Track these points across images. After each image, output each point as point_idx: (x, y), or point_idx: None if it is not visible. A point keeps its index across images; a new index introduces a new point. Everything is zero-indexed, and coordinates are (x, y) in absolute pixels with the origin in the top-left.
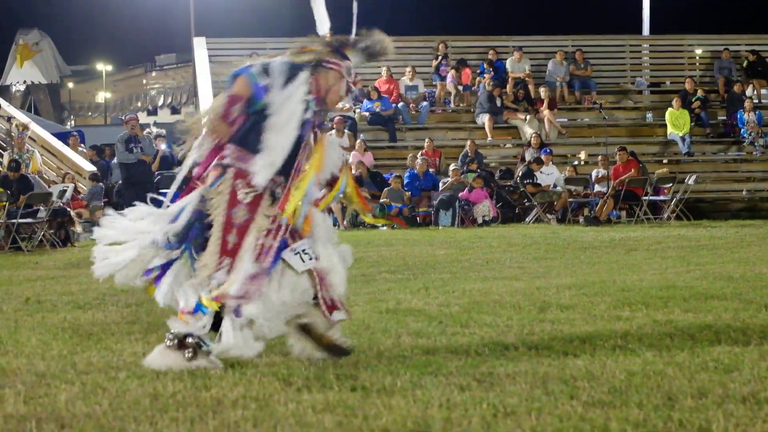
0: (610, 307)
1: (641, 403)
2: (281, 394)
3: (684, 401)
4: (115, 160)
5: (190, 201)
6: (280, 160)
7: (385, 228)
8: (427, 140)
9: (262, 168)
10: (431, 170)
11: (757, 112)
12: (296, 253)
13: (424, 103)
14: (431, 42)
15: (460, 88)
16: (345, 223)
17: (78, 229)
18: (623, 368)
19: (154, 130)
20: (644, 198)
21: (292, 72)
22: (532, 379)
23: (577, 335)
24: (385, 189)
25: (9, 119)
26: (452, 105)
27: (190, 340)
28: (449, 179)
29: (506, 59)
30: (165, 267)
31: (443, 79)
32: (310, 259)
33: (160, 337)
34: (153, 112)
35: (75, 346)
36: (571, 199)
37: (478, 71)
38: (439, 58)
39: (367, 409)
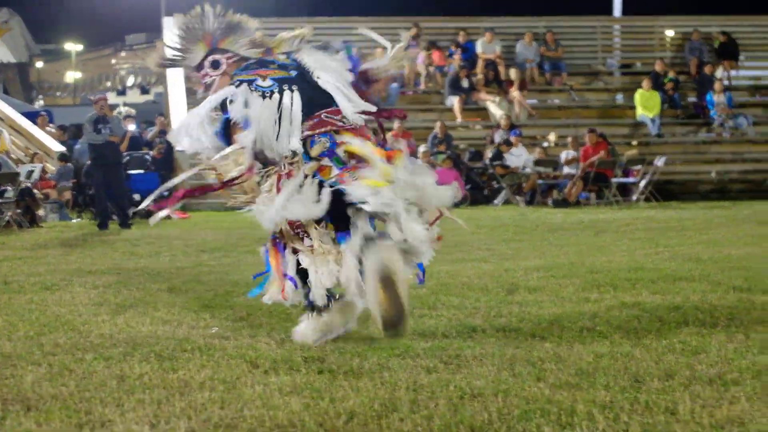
0: (578, 289)
1: (608, 385)
2: (248, 376)
3: (651, 383)
4: (79, 140)
5: None
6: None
7: None
8: (396, 122)
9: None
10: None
11: (726, 94)
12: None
13: (394, 85)
14: (402, 23)
15: (432, 69)
16: None
17: (41, 212)
18: (591, 350)
19: (123, 110)
20: (613, 180)
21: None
22: (500, 361)
23: (544, 317)
24: None
25: None
26: (422, 86)
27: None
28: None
29: (477, 40)
30: None
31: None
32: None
33: (127, 319)
34: (122, 93)
35: (42, 327)
36: (540, 181)
37: (447, 53)
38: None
39: (334, 391)
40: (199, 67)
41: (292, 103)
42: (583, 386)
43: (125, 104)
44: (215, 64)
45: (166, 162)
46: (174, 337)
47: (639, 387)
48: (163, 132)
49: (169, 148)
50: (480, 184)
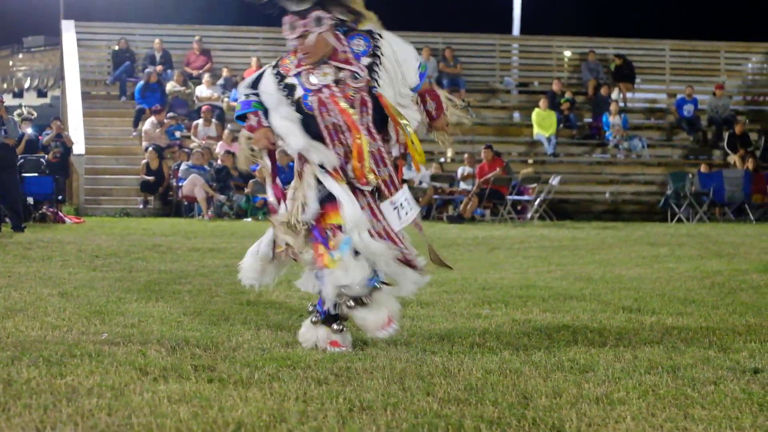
0: (470, 305)
1: (496, 401)
2: (137, 383)
3: (539, 400)
4: None
5: None
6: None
7: (250, 220)
8: None
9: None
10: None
11: (622, 116)
12: (395, 208)
13: None
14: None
15: None
16: (209, 213)
17: None
18: (480, 366)
19: (25, 111)
20: (508, 197)
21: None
22: (390, 374)
23: (436, 332)
24: (250, 181)
25: None
26: None
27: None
28: None
29: None
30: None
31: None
32: (407, 213)
33: (17, 323)
34: (19, 95)
35: None
36: (436, 196)
37: None
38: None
39: (223, 400)
40: (303, 13)
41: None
42: (472, 401)
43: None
44: (319, 21)
45: (62, 166)
46: (63, 342)
47: (527, 404)
48: (59, 136)
49: (65, 152)
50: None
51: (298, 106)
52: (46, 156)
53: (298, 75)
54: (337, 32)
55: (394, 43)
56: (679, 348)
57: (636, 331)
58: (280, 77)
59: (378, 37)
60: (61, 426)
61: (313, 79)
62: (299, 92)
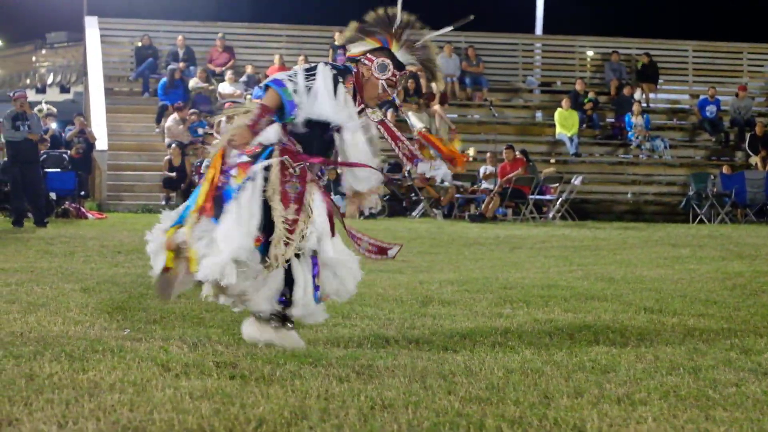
0: (491, 304)
1: (518, 400)
2: (159, 379)
3: (560, 400)
4: None
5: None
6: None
7: None
8: None
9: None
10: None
11: (645, 116)
12: None
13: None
14: (326, 31)
15: None
16: None
17: None
18: (502, 365)
19: (45, 107)
20: (530, 197)
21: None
22: (411, 372)
23: (457, 331)
24: None
25: None
26: None
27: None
28: None
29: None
30: None
31: None
32: None
33: (39, 318)
34: (42, 90)
35: None
36: (458, 195)
37: None
38: (336, 48)
39: (245, 397)
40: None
41: None
42: (493, 401)
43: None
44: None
45: (84, 162)
46: (85, 337)
47: (548, 403)
48: (81, 132)
49: (88, 148)
50: (398, 195)
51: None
52: (69, 152)
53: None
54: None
55: None
56: (700, 349)
57: (657, 331)
58: None
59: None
60: (83, 421)
61: (373, 116)
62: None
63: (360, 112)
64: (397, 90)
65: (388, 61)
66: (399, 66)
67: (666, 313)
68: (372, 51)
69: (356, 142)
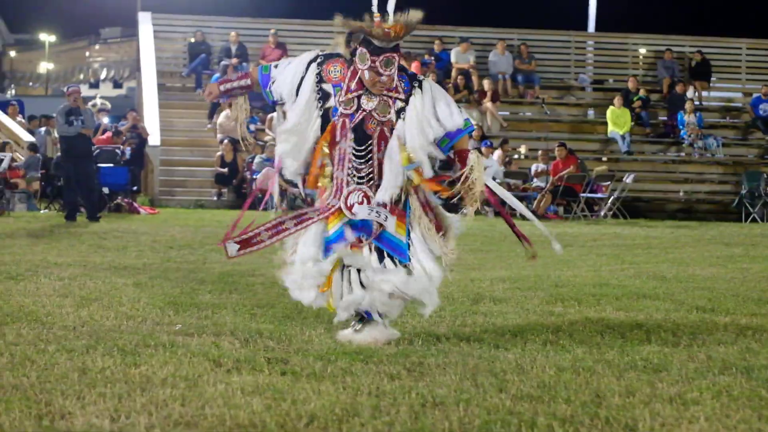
0: (542, 302)
1: (569, 399)
2: (211, 374)
3: (611, 399)
4: (42, 131)
5: None
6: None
7: None
8: None
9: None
10: None
11: (697, 114)
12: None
13: None
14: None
15: None
16: (283, 206)
17: None
18: (553, 363)
19: (99, 102)
20: (582, 195)
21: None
22: (462, 370)
23: (508, 328)
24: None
25: None
26: None
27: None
28: None
29: (452, 50)
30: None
31: None
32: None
33: (92, 312)
34: (95, 86)
35: (5, 317)
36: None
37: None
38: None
39: (296, 393)
40: (395, 51)
41: None
42: (545, 399)
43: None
44: (390, 64)
45: (137, 157)
46: (138, 332)
47: (600, 402)
48: (134, 127)
49: (140, 143)
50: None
51: (326, 114)
52: (122, 147)
53: (337, 86)
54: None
55: (435, 89)
56: (753, 349)
57: (710, 331)
58: (319, 79)
59: (418, 82)
60: (135, 415)
61: (365, 104)
62: (331, 102)
63: (355, 99)
64: (387, 75)
65: (363, 50)
66: (376, 51)
67: (718, 312)
68: (353, 41)
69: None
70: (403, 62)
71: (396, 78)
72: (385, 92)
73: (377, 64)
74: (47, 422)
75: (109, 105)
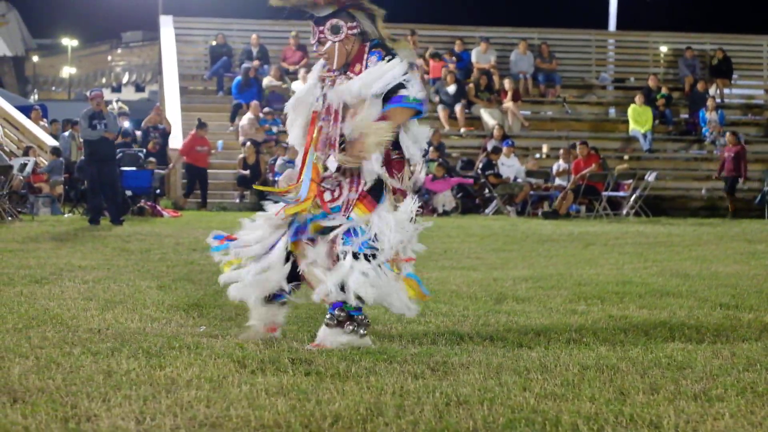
0: (565, 301)
1: (593, 396)
2: (235, 375)
3: (636, 396)
4: (65, 134)
5: None
6: None
7: None
8: None
9: None
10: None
11: (719, 112)
12: None
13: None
14: (399, 30)
15: (426, 77)
16: None
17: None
18: (577, 362)
19: (116, 106)
20: (604, 193)
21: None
22: (486, 369)
23: (531, 327)
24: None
25: None
26: None
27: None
28: None
29: (472, 50)
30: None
31: None
32: None
33: (116, 315)
34: (117, 89)
35: (30, 320)
36: (531, 192)
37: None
38: None
39: (321, 393)
40: (320, 21)
41: None
42: (569, 397)
43: (119, 100)
44: (336, 29)
45: (161, 155)
46: (162, 334)
47: (624, 400)
48: (155, 127)
49: (164, 142)
50: (471, 192)
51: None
52: (147, 147)
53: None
54: (364, 44)
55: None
56: None
57: (734, 328)
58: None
59: (389, 57)
60: (160, 417)
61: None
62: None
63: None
64: (317, 41)
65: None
66: (317, 21)
67: (742, 309)
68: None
69: None
70: (391, 43)
71: (361, 53)
72: (350, 72)
73: (315, 32)
74: (73, 425)
75: (126, 108)
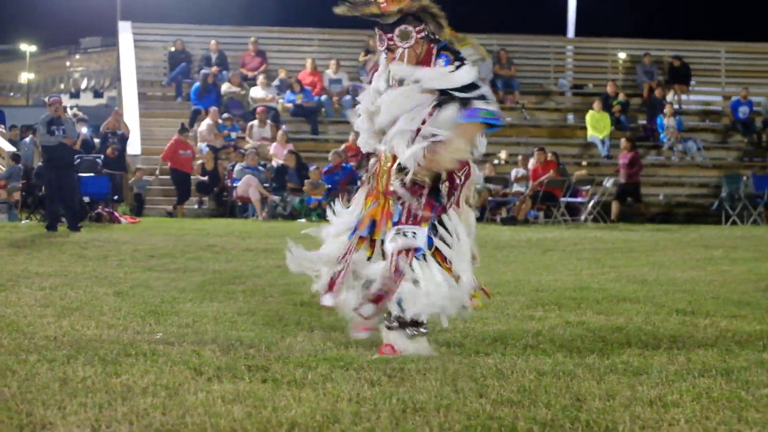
0: (523, 307)
1: (549, 403)
2: (191, 383)
3: (592, 402)
4: (26, 140)
5: None
6: None
7: (304, 220)
8: (352, 134)
9: None
10: (351, 164)
11: (677, 118)
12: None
13: (347, 97)
14: (358, 36)
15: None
16: (264, 214)
17: None
18: (533, 368)
19: (71, 113)
20: (562, 199)
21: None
22: (442, 376)
23: (489, 334)
24: (306, 181)
25: None
26: None
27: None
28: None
29: None
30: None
31: None
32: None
33: (73, 322)
34: (76, 95)
35: None
36: (489, 198)
37: None
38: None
39: (277, 400)
40: (387, 28)
41: None
42: (525, 403)
43: (77, 106)
44: (405, 36)
45: (119, 162)
46: (119, 341)
47: (580, 406)
48: (113, 133)
49: (122, 148)
50: None
51: None
52: (105, 153)
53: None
54: (432, 46)
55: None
56: (733, 351)
57: (690, 333)
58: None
59: (458, 61)
60: (116, 424)
61: None
62: None
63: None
64: (382, 48)
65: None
66: (384, 28)
67: (698, 315)
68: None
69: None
70: (458, 44)
71: (429, 56)
72: None
73: (380, 38)
74: None
75: (81, 114)
